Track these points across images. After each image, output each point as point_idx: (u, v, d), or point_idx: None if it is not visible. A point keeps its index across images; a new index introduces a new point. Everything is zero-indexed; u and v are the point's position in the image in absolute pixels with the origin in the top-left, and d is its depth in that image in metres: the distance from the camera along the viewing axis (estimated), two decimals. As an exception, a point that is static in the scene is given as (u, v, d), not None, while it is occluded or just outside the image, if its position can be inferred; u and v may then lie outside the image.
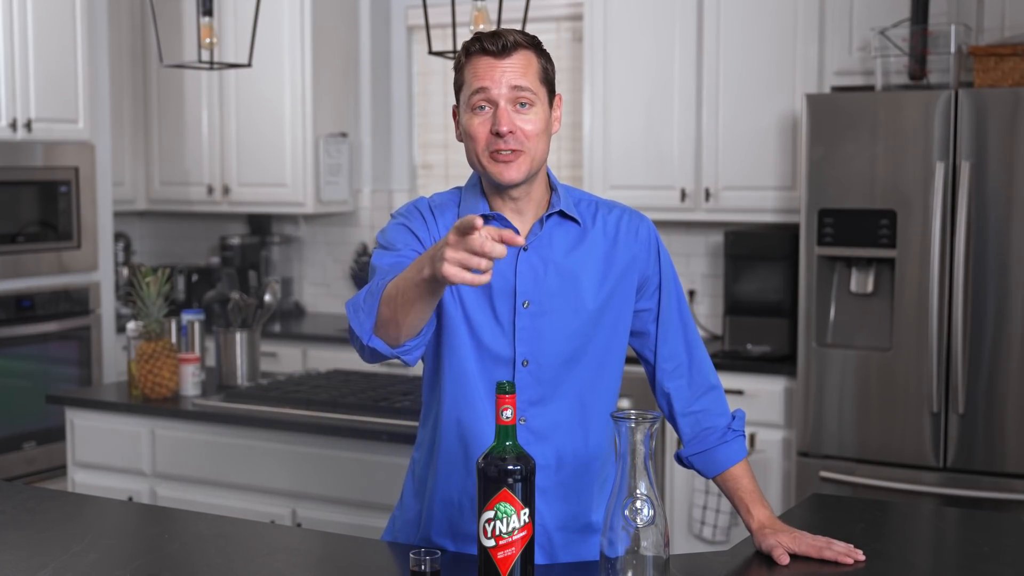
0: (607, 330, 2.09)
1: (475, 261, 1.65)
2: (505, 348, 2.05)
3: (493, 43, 1.97)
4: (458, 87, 2.04)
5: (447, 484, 2.11)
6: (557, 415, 2.07)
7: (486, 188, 2.08)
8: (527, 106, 1.98)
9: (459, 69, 2.04)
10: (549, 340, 2.05)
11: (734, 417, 2.18)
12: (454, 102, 2.08)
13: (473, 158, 2.02)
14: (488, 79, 1.97)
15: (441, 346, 2.09)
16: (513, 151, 1.98)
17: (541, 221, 2.06)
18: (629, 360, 2.20)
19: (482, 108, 1.98)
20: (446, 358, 2.09)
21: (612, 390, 2.13)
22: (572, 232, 2.08)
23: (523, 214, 2.07)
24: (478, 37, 2.01)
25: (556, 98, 2.06)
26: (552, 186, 2.10)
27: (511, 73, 1.97)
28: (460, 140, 2.07)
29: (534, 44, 2.02)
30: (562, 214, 2.07)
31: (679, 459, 2.18)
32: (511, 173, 1.99)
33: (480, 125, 1.99)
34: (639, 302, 2.13)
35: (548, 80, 2.03)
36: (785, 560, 1.99)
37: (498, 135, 1.97)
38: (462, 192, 2.12)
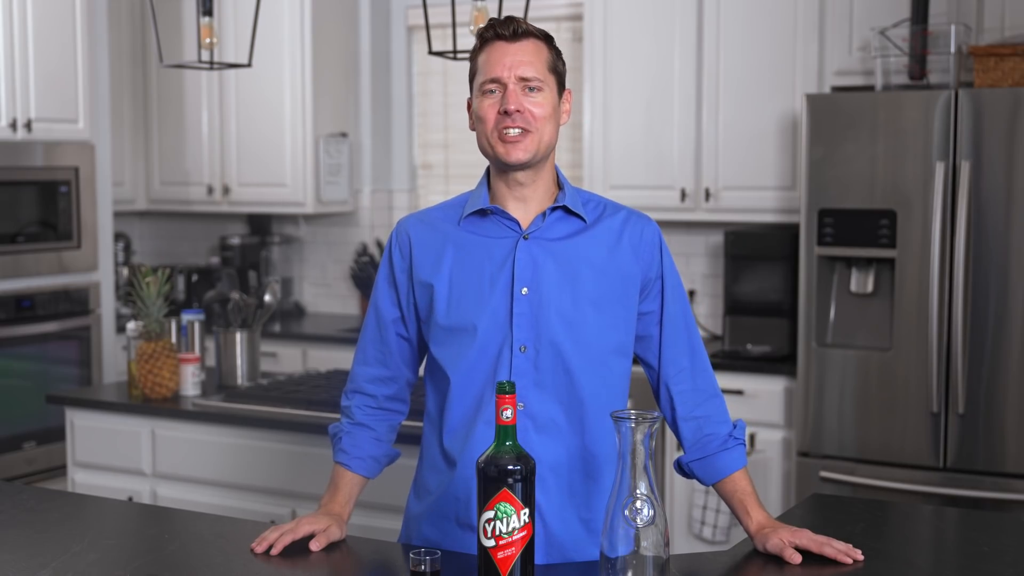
0: (608, 327, 2.10)
1: (274, 538, 2.07)
2: (503, 333, 2.07)
3: (505, 28, 2.06)
4: (472, 75, 2.11)
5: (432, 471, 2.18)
6: (555, 404, 2.08)
7: (493, 176, 2.14)
8: (535, 90, 2.05)
9: (474, 57, 2.11)
10: (546, 327, 2.07)
11: (735, 426, 2.17)
12: (459, 99, 2.14)
13: (483, 140, 2.08)
14: (499, 66, 2.04)
15: (437, 336, 2.14)
16: (522, 130, 2.04)
17: (544, 214, 2.10)
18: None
19: (492, 92, 2.05)
20: (441, 348, 2.12)
21: (614, 393, 2.13)
22: (576, 227, 2.12)
23: (527, 202, 2.11)
24: (492, 24, 2.09)
25: (566, 92, 2.13)
26: (560, 184, 2.15)
27: (520, 60, 2.04)
28: (473, 129, 2.13)
29: (545, 37, 2.11)
30: (566, 210, 2.11)
31: (679, 467, 2.19)
32: (518, 153, 2.04)
33: (490, 107, 2.06)
34: (643, 304, 2.15)
35: (557, 71, 2.10)
36: (797, 559, 1.99)
37: (506, 113, 2.03)
38: (472, 191, 2.18)
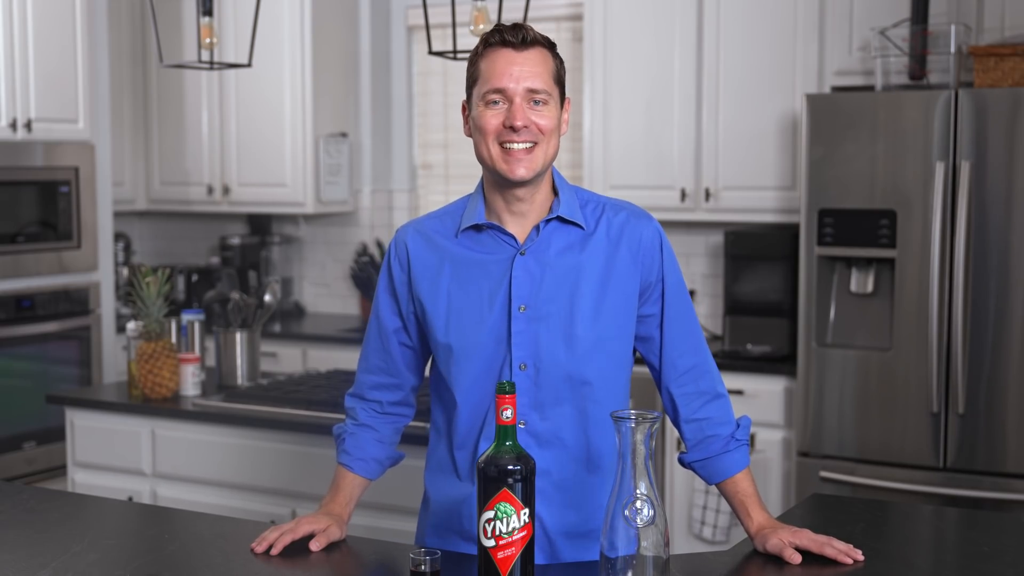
0: (607, 339, 2.07)
1: (274, 537, 2.07)
2: (503, 352, 2.05)
3: (514, 35, 1.99)
4: (472, 81, 2.05)
5: (438, 484, 2.16)
6: (558, 420, 2.07)
7: (488, 189, 2.09)
8: (541, 104, 2.00)
9: (474, 61, 2.04)
10: (546, 344, 2.04)
11: (738, 425, 2.15)
12: (459, 99, 2.10)
13: (484, 152, 2.03)
14: (505, 77, 1.98)
15: (438, 353, 2.12)
16: (529, 145, 1.99)
17: (538, 227, 2.06)
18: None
19: (496, 103, 2.00)
20: (443, 365, 2.11)
21: (618, 398, 2.11)
22: (573, 236, 2.08)
23: (525, 217, 2.07)
24: (499, 28, 2.02)
25: (566, 101, 2.08)
26: (555, 190, 2.10)
27: (528, 72, 1.99)
28: (469, 135, 2.07)
29: (550, 44, 2.05)
30: (562, 219, 2.07)
31: (682, 462, 2.18)
32: (520, 170, 2.00)
33: (492, 117, 2.00)
34: (643, 307, 2.12)
35: (560, 81, 2.06)
36: (797, 559, 1.98)
37: (512, 129, 1.98)
38: (470, 198, 2.14)
